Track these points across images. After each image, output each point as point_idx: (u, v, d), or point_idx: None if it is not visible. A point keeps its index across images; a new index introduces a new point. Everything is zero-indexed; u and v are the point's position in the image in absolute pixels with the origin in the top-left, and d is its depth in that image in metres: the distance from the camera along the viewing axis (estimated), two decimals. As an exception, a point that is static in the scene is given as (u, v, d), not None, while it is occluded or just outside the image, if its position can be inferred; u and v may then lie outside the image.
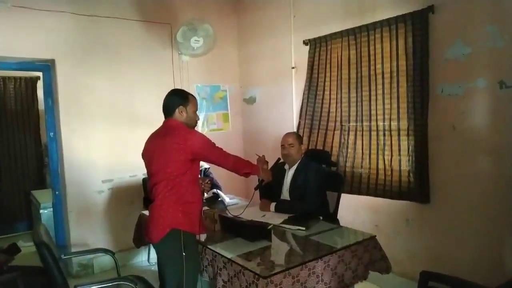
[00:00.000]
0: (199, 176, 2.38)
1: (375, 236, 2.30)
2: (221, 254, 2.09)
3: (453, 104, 2.74)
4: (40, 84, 4.96)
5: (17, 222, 5.16)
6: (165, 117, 2.31)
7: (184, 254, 2.09)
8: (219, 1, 4.69)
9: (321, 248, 2.11)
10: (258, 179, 2.60)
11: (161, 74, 4.22)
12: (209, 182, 3.10)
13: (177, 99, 2.27)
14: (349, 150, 3.46)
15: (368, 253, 2.23)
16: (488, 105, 2.58)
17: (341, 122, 3.53)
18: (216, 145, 2.27)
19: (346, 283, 2.11)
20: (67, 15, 3.63)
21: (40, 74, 4.24)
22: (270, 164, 2.83)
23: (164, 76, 4.24)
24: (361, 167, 3.36)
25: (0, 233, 4.92)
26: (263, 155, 2.60)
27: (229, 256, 2.03)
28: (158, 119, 2.43)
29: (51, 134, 3.82)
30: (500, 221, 2.53)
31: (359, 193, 3.35)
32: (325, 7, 3.64)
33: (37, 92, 5.25)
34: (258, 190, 2.73)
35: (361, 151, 3.37)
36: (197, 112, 2.36)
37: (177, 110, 2.25)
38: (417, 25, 2.89)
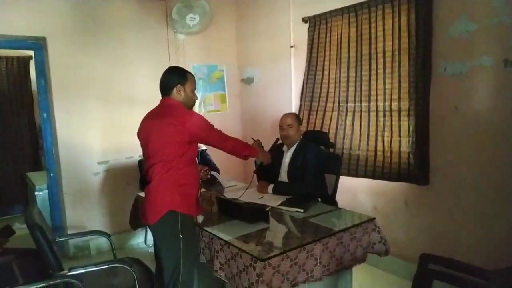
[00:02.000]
0: (197, 159, 2.32)
1: (374, 218, 2.26)
2: (218, 237, 2.05)
3: (456, 83, 2.67)
4: (33, 64, 4.84)
5: (13, 204, 5.13)
6: (162, 96, 2.23)
7: (181, 236, 2.06)
8: (216, -23, 4.54)
9: (320, 231, 2.07)
10: (255, 162, 2.55)
11: (157, 53, 4.12)
12: (207, 170, 3.05)
13: (175, 77, 2.19)
14: (347, 132, 3.40)
15: (367, 235, 2.20)
16: (492, 84, 2.51)
17: (339, 102, 3.45)
18: (215, 127, 2.21)
19: (345, 265, 2.08)
20: (59, -9, 3.50)
21: (32, 53, 4.12)
22: (268, 146, 2.78)
23: (160, 55, 4.13)
24: (359, 148, 3.30)
25: (-4, 215, 4.92)
26: (258, 139, 2.55)
27: (226, 239, 1.99)
28: (154, 99, 2.36)
29: (45, 115, 3.74)
30: (501, 203, 2.50)
31: (357, 175, 3.30)
32: (325, -17, 3.51)
33: (30, 72, 5.14)
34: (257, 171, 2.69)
35: (359, 132, 3.30)
36: (195, 91, 2.28)
37: (175, 89, 2.17)
38: (420, 1, 2.79)
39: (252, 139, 2.57)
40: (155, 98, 2.31)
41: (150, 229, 2.29)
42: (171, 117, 2.09)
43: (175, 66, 2.34)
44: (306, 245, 1.90)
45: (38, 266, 2.21)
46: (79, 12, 3.63)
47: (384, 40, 3.07)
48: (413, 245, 2.99)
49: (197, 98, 2.32)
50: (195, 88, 2.28)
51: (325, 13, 3.49)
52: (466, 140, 2.66)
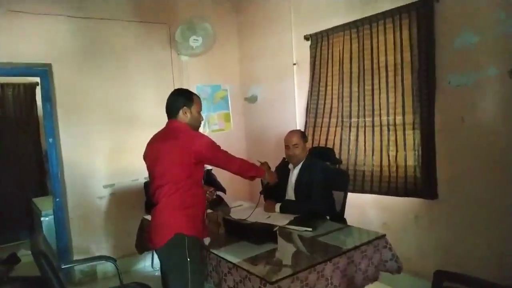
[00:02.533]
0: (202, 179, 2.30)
1: (385, 235, 2.21)
2: (225, 259, 2.01)
3: (461, 95, 2.65)
4: (39, 90, 4.90)
5: (19, 230, 5.09)
6: (168, 118, 2.24)
7: (188, 259, 2.02)
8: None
9: (330, 250, 2.03)
10: (262, 182, 2.52)
11: (161, 75, 4.15)
12: (213, 191, 3.02)
13: (181, 99, 2.20)
14: (351, 147, 3.37)
15: (379, 253, 2.14)
16: (498, 95, 2.48)
17: (342, 118, 3.44)
18: (221, 147, 2.20)
19: (357, 285, 2.02)
20: (63, 18, 3.56)
21: (38, 79, 4.17)
22: (274, 164, 2.76)
23: (164, 77, 4.17)
24: (364, 164, 3.27)
25: (2, 241, 4.87)
26: (266, 162, 2.53)
27: (234, 261, 1.95)
28: (159, 121, 2.36)
29: (50, 140, 3.76)
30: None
31: (363, 191, 3.26)
32: (326, 1, 3.55)
33: (36, 98, 5.19)
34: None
35: (364, 148, 3.28)
36: (201, 112, 2.28)
37: (181, 111, 2.18)
38: (421, 14, 2.80)
39: (259, 162, 2.54)
40: (160, 120, 2.31)
41: (156, 253, 2.25)
42: (178, 139, 2.08)
43: (180, 88, 2.35)
44: (316, 265, 1.85)
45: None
46: (83, 37, 3.68)
47: (386, 55, 3.08)
48: (425, 261, 2.91)
49: (203, 119, 2.32)
50: (201, 110, 2.28)
51: (326, 30, 3.52)
52: (474, 152, 2.61)
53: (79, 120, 3.67)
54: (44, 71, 3.67)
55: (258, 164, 2.52)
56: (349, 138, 3.38)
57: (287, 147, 2.89)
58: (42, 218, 4.06)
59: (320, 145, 3.57)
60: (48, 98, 3.73)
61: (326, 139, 3.56)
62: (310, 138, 3.66)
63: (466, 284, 1.73)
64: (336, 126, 3.50)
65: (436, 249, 2.88)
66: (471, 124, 2.62)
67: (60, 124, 3.61)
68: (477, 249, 2.63)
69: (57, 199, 3.79)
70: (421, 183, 2.90)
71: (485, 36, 2.49)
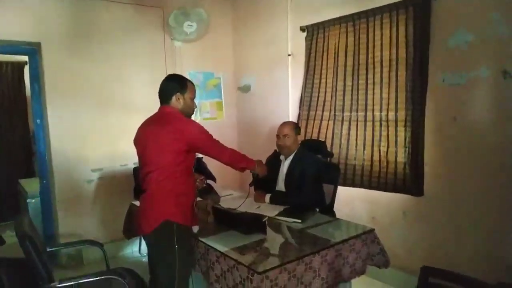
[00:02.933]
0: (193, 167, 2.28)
1: (374, 229, 2.23)
2: (213, 248, 2.00)
3: (454, 94, 2.66)
4: (27, 70, 4.79)
5: (5, 211, 5.03)
6: (161, 103, 2.21)
7: (176, 246, 2.01)
8: (213, -15, 4.54)
9: (318, 242, 2.04)
10: (253, 174, 2.52)
11: (153, 59, 4.09)
12: (203, 180, 3.00)
13: (174, 85, 2.16)
14: (343, 141, 3.38)
15: (367, 247, 2.16)
16: (491, 95, 2.50)
17: (335, 111, 3.44)
18: (213, 136, 2.18)
19: (344, 278, 2.04)
20: (54, -3, 3.47)
21: (26, 58, 4.07)
22: (265, 155, 2.75)
23: (156, 62, 4.11)
24: (355, 158, 3.28)
25: (-12, 222, 4.82)
26: (260, 160, 2.52)
27: (222, 250, 1.95)
28: (150, 106, 2.33)
29: (38, 121, 3.69)
30: (500, 215, 2.48)
31: (353, 185, 3.28)
32: (323, -8, 3.52)
33: (25, 78, 5.08)
34: (253, 184, 2.66)
35: (355, 142, 3.29)
36: (194, 99, 2.25)
37: (174, 97, 2.15)
38: (418, 11, 2.80)
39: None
40: (151, 105, 2.27)
41: (144, 239, 2.24)
42: (170, 125, 2.06)
43: (175, 74, 2.31)
44: (305, 257, 1.85)
45: (28, 277, 2.14)
46: (74, 18, 3.60)
47: (381, 50, 3.07)
48: (412, 257, 2.95)
49: (196, 107, 2.29)
50: (195, 97, 2.25)
51: (323, 22, 3.49)
52: (464, 151, 2.64)
53: (68, 102, 3.61)
54: (33, 50, 3.58)
55: (253, 150, 2.51)
56: (341, 132, 3.39)
57: (278, 137, 2.88)
58: (28, 200, 4.00)
59: (313, 138, 3.57)
60: (36, 78, 3.65)
61: (319, 132, 3.56)
62: (303, 130, 3.65)
63: (451, 280, 1.77)
64: (328, 120, 3.50)
65: (423, 245, 2.92)
66: (462, 123, 2.64)
67: (48, 105, 3.53)
68: (463, 246, 2.68)
69: (44, 181, 3.74)
70: (409, 180, 2.92)
71: (479, 36, 2.51)
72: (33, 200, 4.00)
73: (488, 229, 2.54)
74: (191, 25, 3.81)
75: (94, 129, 3.76)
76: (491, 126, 2.50)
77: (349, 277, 2.07)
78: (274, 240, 2.15)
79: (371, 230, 2.21)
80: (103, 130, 3.80)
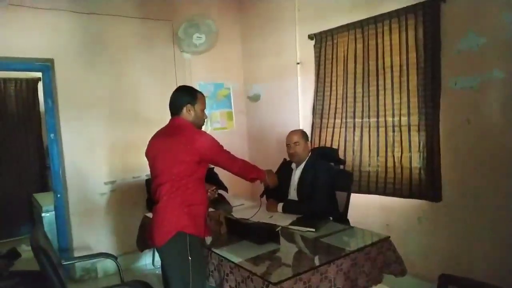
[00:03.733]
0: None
1: (389, 237, 2.19)
2: (227, 259, 1.99)
3: (467, 97, 2.62)
4: (41, 85, 4.88)
5: (20, 226, 5.09)
6: (172, 115, 2.22)
7: (190, 258, 2.00)
8: (221, -3, 4.59)
9: (333, 251, 2.01)
10: (264, 185, 2.51)
11: (163, 72, 4.13)
12: (215, 190, 3.00)
13: (185, 97, 2.18)
14: (355, 148, 3.35)
15: (382, 255, 2.12)
16: (504, 97, 2.46)
17: (346, 118, 3.41)
18: (224, 147, 2.18)
19: (360, 287, 2.00)
20: (66, 13, 3.54)
21: (40, 74, 4.16)
22: (275, 164, 2.74)
23: (166, 73, 4.15)
24: (369, 165, 3.25)
25: (3, 236, 4.88)
26: (270, 170, 2.52)
27: (236, 261, 1.93)
28: (161, 118, 2.34)
29: (52, 135, 3.74)
30: (519, 219, 2.41)
31: (368, 192, 3.24)
32: (331, 0, 3.52)
33: (38, 93, 5.18)
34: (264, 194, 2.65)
35: (368, 148, 3.26)
36: (205, 110, 2.26)
37: (184, 108, 2.16)
38: (427, 15, 2.78)
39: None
40: (162, 117, 2.28)
41: (157, 251, 2.23)
42: (181, 137, 2.07)
43: (185, 86, 2.33)
44: (320, 266, 1.83)
45: (43, 290, 2.15)
46: (86, 33, 3.66)
47: (391, 55, 3.05)
48: (428, 264, 2.89)
49: (206, 117, 2.30)
50: (205, 108, 2.26)
51: (331, 30, 3.49)
52: (479, 155, 2.59)
53: (81, 116, 3.65)
54: (46, 66, 3.64)
55: (263, 160, 2.51)
56: (354, 139, 3.36)
57: (288, 145, 2.88)
58: (43, 214, 4.05)
59: (326, 145, 3.55)
60: (50, 93, 3.71)
61: (332, 140, 3.54)
62: (317, 139, 3.65)
63: (470, 287, 1.72)
64: (340, 127, 3.48)
65: (440, 252, 2.86)
66: (476, 126, 2.59)
67: (62, 120, 3.59)
68: (482, 253, 2.61)
69: (58, 195, 3.78)
70: (425, 185, 2.88)
71: (491, 38, 2.47)
72: (48, 214, 4.05)
73: (507, 234, 2.47)
74: (200, 37, 3.85)
75: (106, 142, 3.79)
76: (506, 128, 2.45)
77: (365, 286, 2.02)
78: (288, 250, 2.13)
79: (387, 238, 2.18)
80: (115, 142, 3.83)
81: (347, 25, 3.33)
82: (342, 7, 3.41)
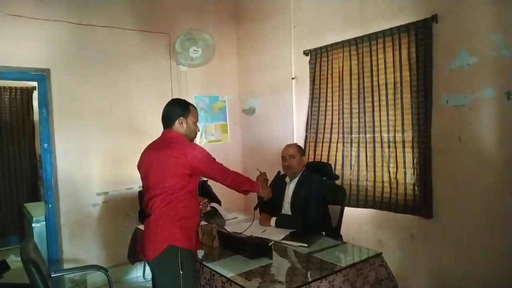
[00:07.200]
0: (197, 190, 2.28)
1: (381, 253, 2.19)
2: (219, 273, 1.98)
3: (458, 115, 2.67)
4: (36, 95, 4.87)
5: (10, 236, 5.02)
6: (164, 128, 2.23)
7: (181, 272, 1.98)
8: (218, 11, 4.65)
9: (325, 267, 2.01)
10: (258, 197, 2.51)
11: (159, 84, 4.15)
12: (206, 203, 2.99)
13: (177, 109, 2.19)
14: (353, 163, 3.38)
15: (374, 271, 2.12)
16: (495, 116, 2.50)
17: (343, 133, 3.45)
18: (216, 160, 2.18)
19: (352, 304, 1.99)
20: (63, 24, 3.55)
21: (35, 84, 4.15)
22: (270, 179, 2.74)
23: (162, 86, 4.17)
24: (366, 180, 3.27)
25: (-8, 246, 4.81)
26: (265, 172, 2.52)
27: (228, 275, 1.92)
28: (155, 130, 2.35)
29: (45, 145, 3.71)
30: (509, 236, 2.43)
31: (365, 206, 3.26)
32: (326, 17, 3.58)
33: (33, 103, 5.16)
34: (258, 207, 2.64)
35: (365, 163, 3.29)
36: (197, 123, 2.27)
37: (177, 121, 2.17)
38: (420, 35, 2.84)
39: (258, 170, 2.54)
40: (156, 129, 2.29)
41: (148, 264, 2.21)
42: (173, 150, 2.07)
43: (177, 98, 2.35)
44: (312, 282, 1.82)
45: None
46: (83, 44, 3.68)
47: (385, 73, 3.10)
48: (420, 281, 2.89)
49: (199, 130, 2.31)
50: (197, 120, 2.27)
51: (326, 46, 3.54)
52: (471, 172, 2.62)
53: (75, 126, 3.65)
54: (42, 76, 3.65)
55: (258, 172, 2.51)
56: (351, 154, 3.39)
57: (283, 158, 2.89)
58: (33, 224, 4.00)
59: (322, 161, 3.57)
60: (45, 103, 3.70)
61: (328, 155, 3.57)
62: (311, 153, 3.68)
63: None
64: (337, 142, 3.51)
65: (432, 269, 2.86)
66: (467, 144, 2.63)
67: (56, 130, 3.58)
68: (473, 269, 2.62)
69: (50, 205, 3.73)
70: (418, 201, 2.90)
71: (482, 58, 2.53)
72: (38, 224, 4.00)
73: (499, 251, 2.48)
74: (196, 50, 3.88)
75: (100, 152, 3.78)
76: (496, 146, 2.49)
77: (357, 303, 2.02)
78: (280, 265, 2.12)
79: (379, 254, 2.18)
80: (109, 153, 3.82)
81: (342, 42, 3.39)
82: (337, 24, 3.47)
